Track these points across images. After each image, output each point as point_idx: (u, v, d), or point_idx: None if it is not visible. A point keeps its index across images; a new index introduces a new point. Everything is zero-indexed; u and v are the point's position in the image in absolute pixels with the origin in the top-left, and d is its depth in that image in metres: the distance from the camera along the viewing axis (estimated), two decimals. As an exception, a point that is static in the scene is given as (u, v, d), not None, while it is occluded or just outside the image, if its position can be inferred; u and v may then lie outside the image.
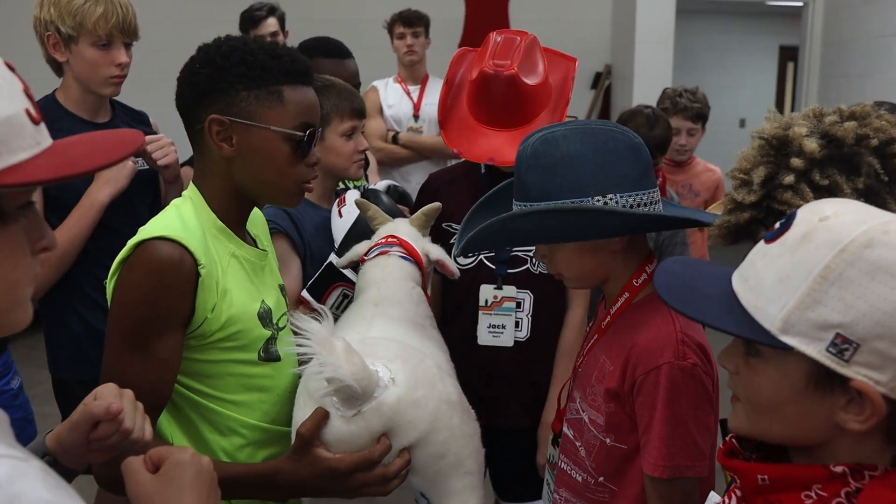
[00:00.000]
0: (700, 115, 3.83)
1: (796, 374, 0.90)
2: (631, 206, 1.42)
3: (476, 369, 2.22)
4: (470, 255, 2.24)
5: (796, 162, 1.25)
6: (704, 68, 9.49)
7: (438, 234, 2.24)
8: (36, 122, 0.84)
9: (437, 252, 1.91)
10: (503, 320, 2.20)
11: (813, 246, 0.89)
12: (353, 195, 2.13)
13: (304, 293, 1.98)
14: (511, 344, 2.21)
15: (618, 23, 6.59)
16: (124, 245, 1.40)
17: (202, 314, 1.41)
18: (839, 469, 0.90)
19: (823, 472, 0.91)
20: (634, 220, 1.43)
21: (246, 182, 1.49)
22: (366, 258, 1.87)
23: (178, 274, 1.37)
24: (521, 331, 2.21)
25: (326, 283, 1.98)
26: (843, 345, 0.86)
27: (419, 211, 1.99)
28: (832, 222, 0.90)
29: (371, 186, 2.46)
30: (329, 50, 2.86)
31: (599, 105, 6.78)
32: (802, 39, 6.10)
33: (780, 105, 9.94)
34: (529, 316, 2.21)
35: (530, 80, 2.10)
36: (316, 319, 1.36)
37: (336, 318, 1.85)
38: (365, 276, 1.84)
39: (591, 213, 1.40)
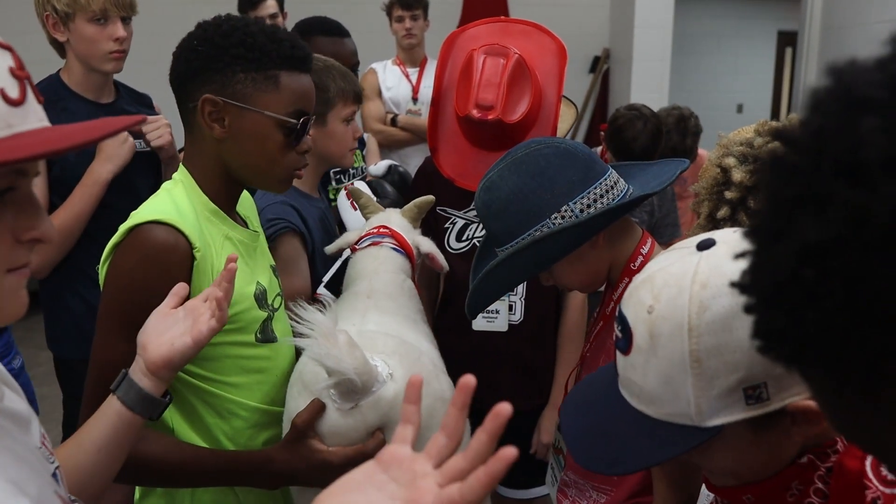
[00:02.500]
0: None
1: (742, 433, 0.91)
2: (588, 206, 1.44)
3: (471, 353, 2.24)
4: (464, 239, 2.25)
5: (729, 194, 1.28)
6: (703, 53, 9.47)
7: (433, 218, 2.25)
8: (13, 104, 0.79)
9: (427, 245, 1.90)
10: (497, 305, 2.20)
11: (665, 341, 0.91)
12: (362, 185, 2.10)
13: (322, 290, 1.92)
14: (505, 329, 2.22)
15: (616, 7, 6.57)
16: None
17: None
18: (805, 460, 0.93)
19: (795, 469, 0.94)
20: (591, 223, 1.44)
21: (235, 165, 1.48)
22: (357, 247, 1.85)
23: (173, 258, 1.36)
24: (514, 314, 2.23)
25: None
26: (755, 392, 0.88)
27: (412, 203, 1.97)
28: (660, 310, 0.92)
29: (372, 167, 2.46)
30: (328, 29, 2.85)
31: (598, 89, 6.77)
32: (801, 24, 6.08)
33: (777, 90, 9.92)
34: (522, 299, 2.23)
35: (517, 114, 2.06)
36: (319, 310, 1.35)
37: None
38: (356, 266, 1.82)
39: (550, 237, 1.43)
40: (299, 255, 1.94)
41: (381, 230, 1.87)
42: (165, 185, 1.51)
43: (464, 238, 2.25)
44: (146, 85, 2.72)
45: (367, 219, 1.95)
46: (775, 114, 9.84)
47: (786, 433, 0.90)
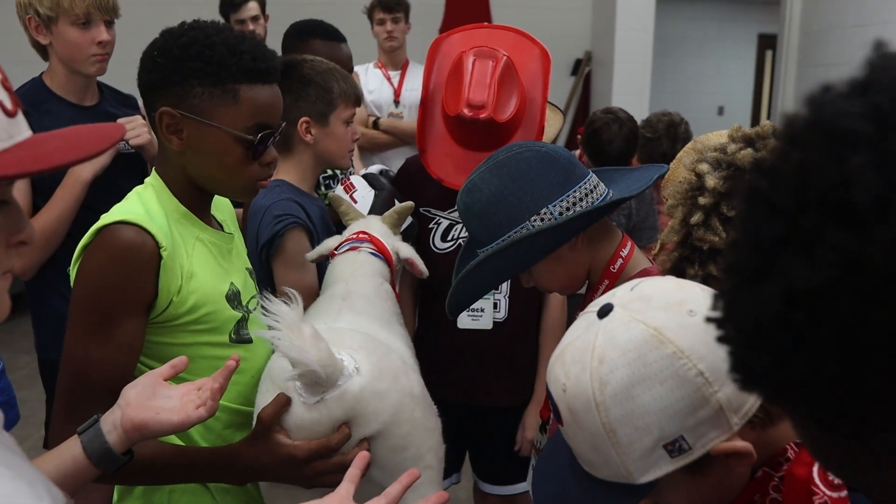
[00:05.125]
0: None
1: (681, 478, 0.93)
2: (567, 209, 1.46)
3: (456, 351, 2.26)
4: (449, 239, 2.26)
5: (702, 199, 1.30)
6: (684, 55, 9.52)
7: (416, 219, 2.26)
8: (10, 115, 0.81)
9: (406, 251, 1.91)
10: (482, 304, 2.22)
11: (581, 416, 0.93)
12: (358, 180, 2.12)
13: None
14: (490, 327, 2.24)
15: (598, 9, 6.61)
16: None
17: (166, 297, 1.41)
18: (760, 474, 0.96)
19: (753, 485, 0.97)
20: (570, 225, 1.46)
21: (196, 175, 1.48)
22: (336, 252, 1.87)
23: (139, 257, 1.36)
24: (499, 312, 2.25)
25: None
26: (675, 447, 0.90)
27: (391, 209, 1.99)
28: (571, 388, 0.94)
29: (364, 171, 2.47)
30: (325, 33, 2.85)
31: (579, 92, 6.80)
32: (781, 28, 6.13)
33: (757, 93, 9.99)
34: (507, 297, 2.25)
35: (507, 113, 2.08)
36: (285, 303, 1.35)
37: None
38: (334, 270, 1.84)
39: (529, 238, 1.45)
40: (307, 251, 1.96)
41: (360, 235, 1.88)
42: (136, 188, 1.51)
43: (449, 238, 2.26)
44: (125, 86, 2.70)
45: (347, 225, 1.97)
46: (756, 116, 9.92)
47: (725, 467, 0.92)
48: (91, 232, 1.39)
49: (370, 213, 2.02)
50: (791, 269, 0.53)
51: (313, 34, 2.81)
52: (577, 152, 3.54)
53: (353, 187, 2.10)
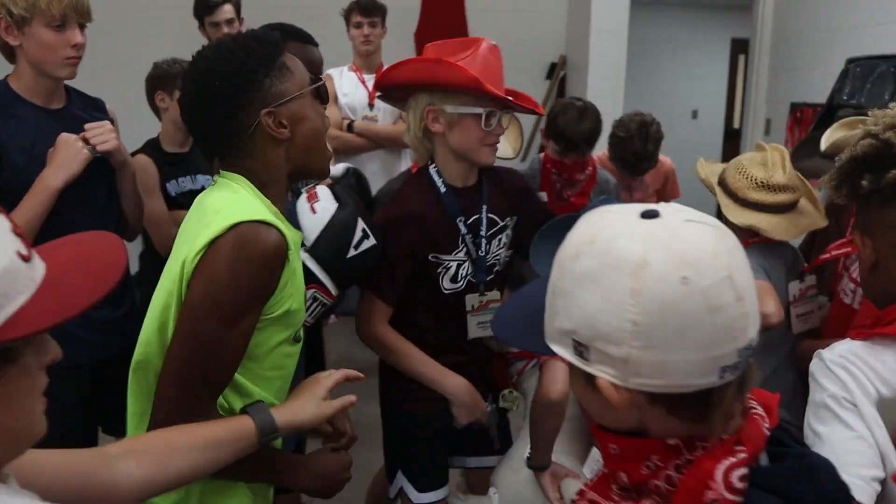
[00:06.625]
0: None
1: (579, 375, 0.98)
2: None
3: (469, 361, 2.36)
4: (458, 279, 2.26)
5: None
6: (658, 59, 9.59)
7: (424, 268, 2.23)
8: (27, 260, 0.83)
9: None
10: (489, 317, 2.29)
11: (557, 263, 0.99)
12: (323, 190, 2.09)
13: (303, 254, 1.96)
14: None
15: (573, 13, 6.64)
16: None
17: (278, 294, 1.49)
18: (672, 442, 0.97)
19: (660, 445, 0.97)
20: None
21: (300, 156, 1.58)
22: None
23: (278, 258, 1.45)
24: None
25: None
26: (579, 348, 0.94)
27: None
28: (569, 239, 0.99)
29: (327, 178, 2.46)
30: (300, 35, 2.87)
31: (554, 95, 6.83)
32: (753, 32, 6.20)
33: (730, 97, 10.08)
34: None
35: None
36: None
37: (309, 325, 1.89)
38: None
39: None
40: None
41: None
42: (232, 186, 1.54)
43: (458, 279, 2.26)
44: (101, 91, 2.69)
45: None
46: (729, 119, 10.01)
47: (603, 397, 0.95)
48: (222, 227, 1.42)
49: (326, 226, 1.99)
50: None
51: (288, 36, 2.82)
52: (542, 155, 3.50)
53: (316, 197, 2.06)
